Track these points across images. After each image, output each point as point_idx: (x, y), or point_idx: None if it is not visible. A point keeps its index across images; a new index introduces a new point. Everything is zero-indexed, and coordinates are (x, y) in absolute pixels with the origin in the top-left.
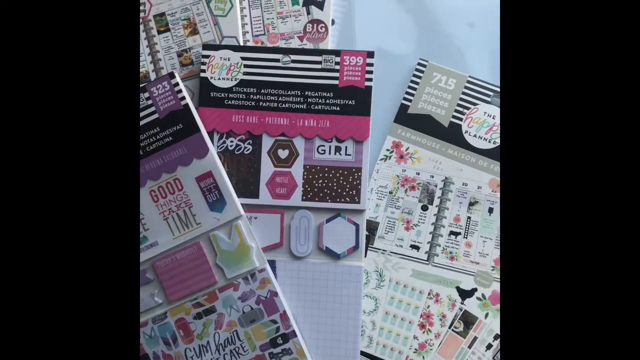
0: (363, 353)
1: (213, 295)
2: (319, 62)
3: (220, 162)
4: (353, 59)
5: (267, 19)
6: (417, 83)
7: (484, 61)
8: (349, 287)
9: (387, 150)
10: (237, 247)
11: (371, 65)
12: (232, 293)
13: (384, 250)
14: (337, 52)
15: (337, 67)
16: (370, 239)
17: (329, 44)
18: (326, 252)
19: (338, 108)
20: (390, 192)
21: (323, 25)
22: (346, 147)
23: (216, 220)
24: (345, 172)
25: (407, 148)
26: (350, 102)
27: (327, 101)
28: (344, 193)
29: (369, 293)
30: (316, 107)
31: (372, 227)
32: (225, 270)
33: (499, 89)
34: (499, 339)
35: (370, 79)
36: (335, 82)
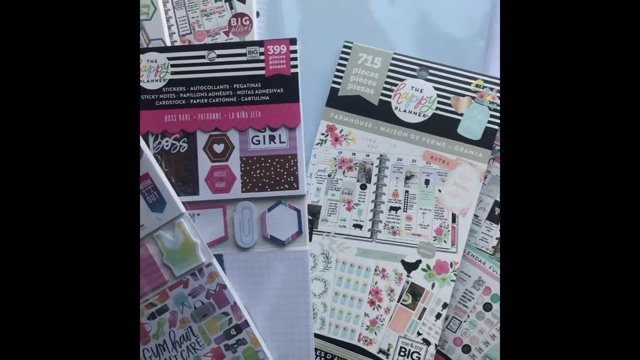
0: (317, 335)
1: (164, 294)
2: (244, 55)
3: (156, 163)
4: (277, 48)
5: (192, 17)
6: (344, 65)
7: (408, 36)
8: (297, 272)
9: (322, 134)
10: (181, 245)
11: (295, 52)
12: (183, 290)
13: (328, 232)
14: (260, 43)
15: (262, 57)
16: (314, 222)
17: (255, 36)
18: (271, 241)
19: (267, 97)
20: (329, 175)
21: (247, 18)
22: (280, 135)
23: (158, 221)
24: (282, 160)
25: (341, 130)
26: (278, 91)
27: (256, 92)
28: (283, 180)
29: (317, 276)
30: (246, 99)
31: (314, 211)
32: (173, 269)
33: (424, 63)
34: (447, 308)
35: (295, 66)
36: (262, 72)
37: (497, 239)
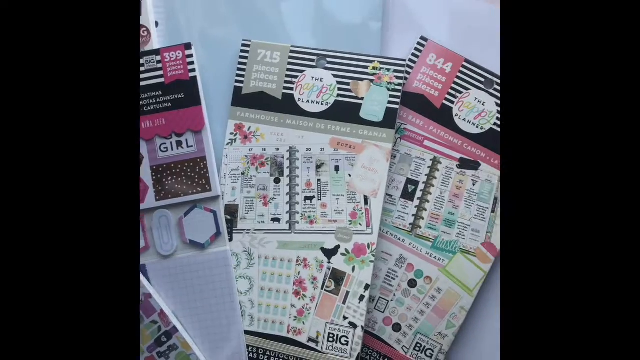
0: (247, 332)
1: None
2: (142, 65)
3: None
4: (173, 54)
5: None
6: (244, 64)
7: (306, 28)
8: (220, 273)
9: (231, 133)
10: None
11: (191, 56)
12: None
13: (248, 229)
14: (156, 51)
15: (160, 65)
16: (233, 222)
17: (156, 45)
18: (191, 245)
19: (170, 104)
20: (243, 173)
21: (145, 29)
22: (186, 139)
23: None
24: (192, 164)
25: (249, 127)
26: (179, 96)
27: (158, 100)
28: (195, 184)
29: (242, 274)
30: (149, 108)
31: (232, 210)
32: None
33: (321, 52)
34: (369, 289)
35: (193, 70)
36: (161, 80)
37: (413, 215)
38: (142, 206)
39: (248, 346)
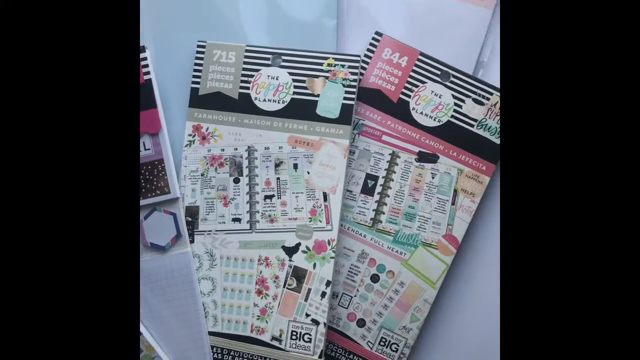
0: (211, 333)
1: None
2: None
3: None
4: None
5: None
6: (200, 65)
7: (261, 27)
8: (182, 275)
9: (189, 135)
10: None
11: (145, 59)
12: None
13: (209, 231)
14: None
15: None
16: (194, 223)
17: None
18: (152, 248)
19: None
20: (202, 174)
21: None
22: (143, 142)
23: None
24: (149, 167)
25: (207, 128)
26: None
27: None
28: (154, 187)
29: (204, 275)
30: None
31: (193, 212)
32: None
33: (276, 50)
34: (331, 285)
35: (148, 73)
36: None
37: (373, 210)
38: None
39: (212, 347)
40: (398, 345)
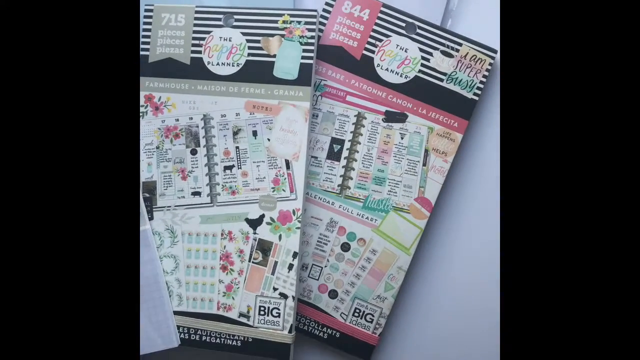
0: (177, 312)
1: None
2: None
3: None
4: None
5: None
6: (149, 30)
7: None
8: (143, 254)
9: (142, 106)
10: None
11: None
12: None
13: (168, 206)
14: None
15: None
16: (152, 199)
17: None
18: None
19: None
20: (158, 147)
21: None
22: None
23: None
24: None
25: (159, 98)
26: None
27: None
28: None
29: (166, 253)
30: None
31: (150, 187)
32: None
33: (227, 10)
34: (298, 257)
35: None
36: None
37: (341, 176)
38: None
39: (178, 327)
40: (373, 316)
